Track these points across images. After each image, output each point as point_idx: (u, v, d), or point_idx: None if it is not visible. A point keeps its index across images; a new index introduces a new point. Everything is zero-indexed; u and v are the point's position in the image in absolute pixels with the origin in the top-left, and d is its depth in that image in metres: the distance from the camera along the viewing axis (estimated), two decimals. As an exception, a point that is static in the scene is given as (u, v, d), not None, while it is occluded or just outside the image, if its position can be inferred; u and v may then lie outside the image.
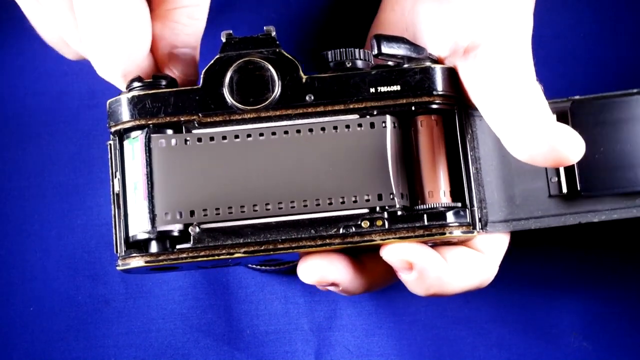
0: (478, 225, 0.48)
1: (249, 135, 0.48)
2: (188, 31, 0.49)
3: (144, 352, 0.59)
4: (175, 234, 0.47)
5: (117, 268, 0.48)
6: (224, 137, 0.48)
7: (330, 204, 0.47)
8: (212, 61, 0.48)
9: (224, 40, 0.48)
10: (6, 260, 0.60)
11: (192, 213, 0.47)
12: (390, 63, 0.48)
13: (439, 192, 0.48)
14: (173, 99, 0.48)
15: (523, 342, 0.58)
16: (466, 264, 0.48)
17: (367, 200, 0.47)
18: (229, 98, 0.48)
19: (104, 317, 0.59)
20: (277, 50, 0.48)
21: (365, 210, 0.47)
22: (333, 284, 0.48)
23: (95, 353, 0.59)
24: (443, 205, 0.48)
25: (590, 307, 0.58)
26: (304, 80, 0.48)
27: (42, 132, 0.62)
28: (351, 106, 0.48)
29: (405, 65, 0.48)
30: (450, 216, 0.47)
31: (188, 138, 0.47)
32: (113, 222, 0.48)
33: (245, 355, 0.59)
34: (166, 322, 0.59)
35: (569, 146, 0.45)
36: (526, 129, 0.45)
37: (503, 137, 0.46)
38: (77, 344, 0.59)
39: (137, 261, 0.47)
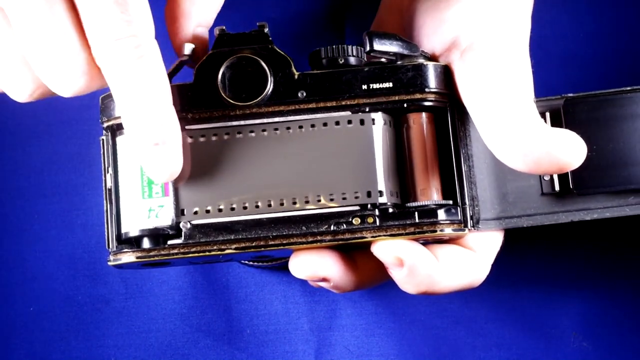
0: (470, 222, 0.48)
1: (239, 132, 0.48)
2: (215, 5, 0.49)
3: (144, 352, 0.59)
4: (167, 230, 0.47)
5: (109, 263, 0.48)
6: (204, 135, 0.47)
7: (320, 200, 0.47)
8: (204, 57, 0.48)
9: (216, 36, 0.48)
10: (6, 260, 0.60)
11: (181, 212, 0.47)
12: (383, 60, 0.48)
13: (430, 189, 0.48)
14: None
15: (523, 342, 0.58)
16: (457, 262, 0.47)
17: (357, 197, 0.47)
18: (221, 94, 0.47)
19: (104, 317, 0.59)
20: (270, 46, 0.48)
21: (356, 207, 0.47)
22: (324, 280, 0.48)
23: (95, 353, 0.59)
24: (434, 203, 0.47)
25: (590, 307, 0.58)
26: (296, 76, 0.48)
27: (42, 132, 0.62)
28: (343, 103, 0.48)
29: (398, 62, 0.48)
30: (441, 214, 0.47)
31: None
32: (105, 218, 0.48)
33: (245, 355, 0.59)
34: (166, 322, 0.59)
35: (567, 150, 0.44)
36: (518, 134, 0.45)
37: (494, 145, 0.46)
38: (77, 344, 0.59)
39: (128, 256, 0.47)
